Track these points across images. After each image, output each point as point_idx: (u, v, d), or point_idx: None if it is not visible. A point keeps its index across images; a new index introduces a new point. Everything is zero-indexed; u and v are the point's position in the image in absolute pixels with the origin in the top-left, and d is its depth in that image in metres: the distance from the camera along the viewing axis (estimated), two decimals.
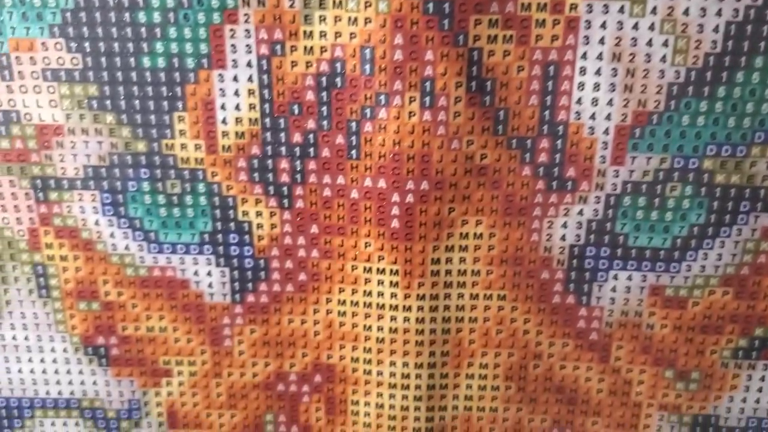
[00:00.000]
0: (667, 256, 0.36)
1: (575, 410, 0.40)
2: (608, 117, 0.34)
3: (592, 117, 0.34)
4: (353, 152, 0.35)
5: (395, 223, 0.36)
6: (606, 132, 0.34)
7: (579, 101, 0.34)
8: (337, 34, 0.33)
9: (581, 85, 0.33)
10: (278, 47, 0.33)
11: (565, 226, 0.36)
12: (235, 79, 0.34)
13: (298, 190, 0.36)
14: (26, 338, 0.40)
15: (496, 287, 0.38)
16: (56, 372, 0.41)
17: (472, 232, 0.36)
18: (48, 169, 0.36)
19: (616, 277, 0.37)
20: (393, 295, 0.38)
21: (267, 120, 0.35)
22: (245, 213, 0.37)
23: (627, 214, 0.36)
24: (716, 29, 0.32)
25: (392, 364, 0.39)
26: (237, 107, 0.35)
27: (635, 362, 0.39)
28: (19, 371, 0.41)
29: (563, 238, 0.36)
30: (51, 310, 0.39)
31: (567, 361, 0.39)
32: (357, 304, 0.38)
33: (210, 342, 0.40)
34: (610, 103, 0.33)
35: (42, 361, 0.41)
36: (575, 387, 0.40)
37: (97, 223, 0.37)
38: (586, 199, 0.36)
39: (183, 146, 0.35)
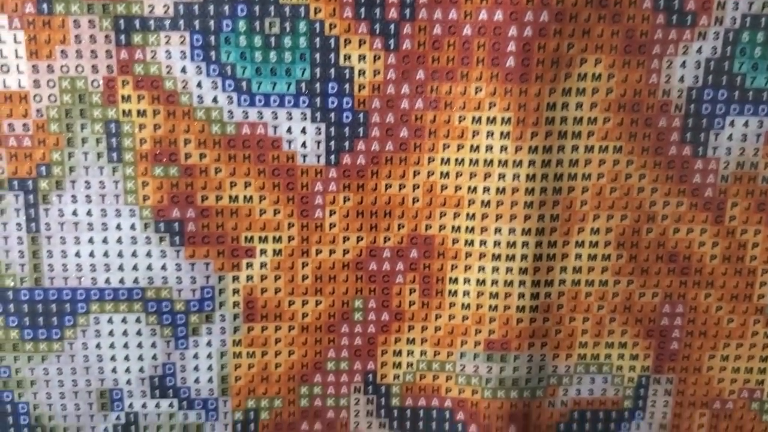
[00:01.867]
0: None
1: (688, 282, 0.38)
2: None
3: None
4: None
5: (510, 62, 0.34)
6: None
7: None
8: None
9: None
10: None
11: (683, 65, 0.35)
12: None
13: (406, 28, 0.34)
14: (89, 213, 0.36)
15: (612, 137, 0.36)
16: (120, 255, 0.36)
17: (591, 73, 0.35)
18: (134, 7, 0.33)
19: (732, 124, 0.36)
20: (503, 149, 0.35)
21: None
22: (347, 57, 0.34)
23: (745, 52, 0.35)
24: None
25: (497, 231, 0.36)
26: None
27: (750, 222, 0.37)
28: (77, 255, 0.36)
29: (681, 79, 0.35)
30: (121, 177, 0.35)
31: (681, 223, 0.37)
32: (462, 162, 0.36)
33: (299, 213, 0.36)
34: None
35: (104, 241, 0.36)
36: (688, 254, 0.37)
37: (183, 70, 0.34)
38: (705, 35, 0.34)
39: None
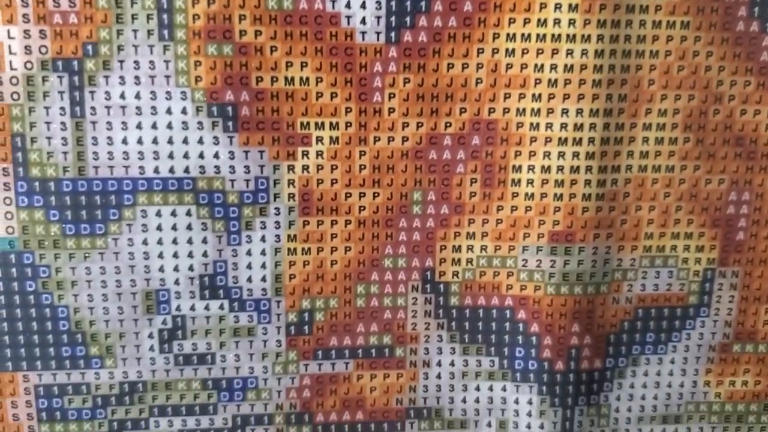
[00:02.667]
0: None
1: (754, 167, 0.37)
2: None
3: None
4: None
5: None
6: None
7: None
8: None
9: None
10: None
11: None
12: None
13: None
14: (137, 96, 0.34)
15: (679, 12, 0.35)
16: (169, 142, 0.34)
17: None
18: None
19: None
20: (571, 23, 0.34)
21: None
22: None
23: None
24: None
25: (564, 113, 0.35)
26: None
27: None
28: (124, 141, 0.34)
29: None
30: (172, 56, 0.33)
31: (748, 104, 0.36)
32: (528, 38, 0.34)
33: (357, 97, 0.35)
34: None
35: (153, 126, 0.34)
36: (755, 137, 0.36)
37: None
38: None
39: None
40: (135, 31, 0.33)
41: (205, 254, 0.36)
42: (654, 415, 0.40)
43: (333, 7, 0.34)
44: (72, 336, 0.36)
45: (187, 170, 0.35)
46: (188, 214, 0.35)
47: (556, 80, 0.35)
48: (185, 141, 0.34)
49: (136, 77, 0.33)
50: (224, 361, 0.37)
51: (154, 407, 0.37)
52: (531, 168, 0.36)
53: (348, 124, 0.35)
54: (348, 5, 0.34)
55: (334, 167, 0.35)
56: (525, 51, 0.35)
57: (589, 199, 0.36)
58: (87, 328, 0.36)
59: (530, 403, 0.39)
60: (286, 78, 0.34)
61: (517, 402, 0.39)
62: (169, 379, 0.37)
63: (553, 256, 0.37)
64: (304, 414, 0.38)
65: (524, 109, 0.35)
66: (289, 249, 0.36)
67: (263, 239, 0.36)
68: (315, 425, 0.38)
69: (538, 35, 0.34)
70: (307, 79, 0.34)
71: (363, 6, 0.34)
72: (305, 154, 0.35)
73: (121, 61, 0.33)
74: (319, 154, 0.35)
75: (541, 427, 0.39)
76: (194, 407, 0.37)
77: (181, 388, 0.37)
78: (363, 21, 0.34)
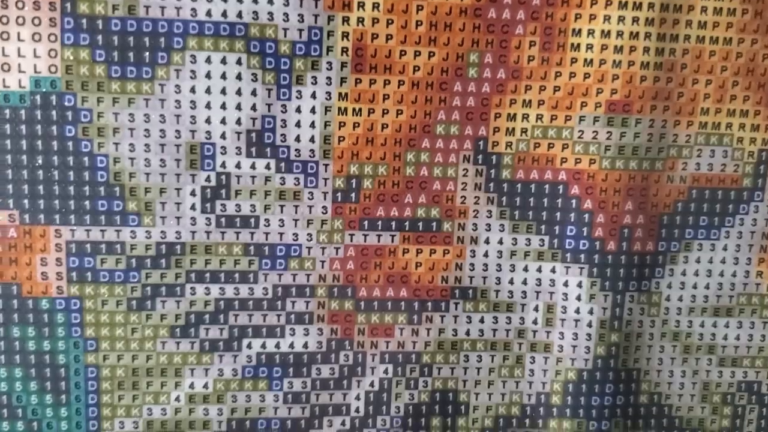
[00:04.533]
0: None
1: None
2: None
3: None
4: None
5: None
6: None
7: None
8: None
9: None
10: None
11: None
12: None
13: None
14: None
15: None
16: None
17: None
18: None
19: None
20: None
21: None
22: None
23: None
24: None
25: None
26: None
27: None
28: None
29: None
30: None
31: None
32: None
33: None
34: None
35: None
36: None
37: None
38: None
39: None
40: None
41: (253, 107, 0.34)
42: (705, 306, 0.39)
43: None
44: (110, 188, 0.34)
45: (239, 15, 0.33)
46: (239, 62, 0.34)
47: None
48: None
49: None
50: (268, 226, 0.36)
51: (191, 272, 0.35)
52: (591, 32, 0.35)
53: None
54: None
55: (390, 21, 0.34)
56: None
57: (648, 67, 0.35)
58: (126, 181, 0.34)
59: (580, 286, 0.37)
60: None
61: (566, 285, 0.37)
62: (209, 242, 0.35)
63: (609, 127, 0.36)
64: (346, 288, 0.37)
65: None
66: (339, 108, 0.35)
67: (314, 96, 0.35)
68: (357, 300, 0.37)
69: None
70: None
71: None
72: (361, 5, 0.34)
73: None
74: (375, 6, 0.34)
75: (590, 312, 0.37)
76: (233, 274, 0.36)
77: (221, 253, 0.35)
78: None
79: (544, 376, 0.38)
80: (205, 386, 0.37)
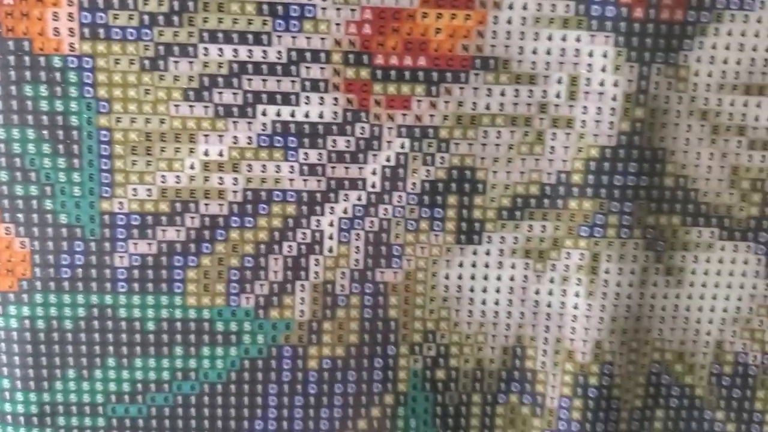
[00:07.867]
0: None
1: None
2: None
3: None
4: None
5: None
6: None
7: None
8: None
9: None
10: None
11: None
12: None
13: None
14: None
15: None
16: None
17: None
18: None
19: None
20: None
21: None
22: None
23: None
24: None
25: None
26: None
27: None
28: None
29: None
30: None
31: None
32: None
33: None
34: None
35: None
36: None
37: None
38: None
39: None
40: None
41: None
42: (736, 83, 0.37)
43: None
44: None
45: None
46: None
47: None
48: None
49: None
50: None
51: (204, 31, 0.35)
52: None
53: None
54: None
55: None
56: None
57: None
58: None
59: (605, 56, 0.36)
60: None
61: (591, 55, 0.36)
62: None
63: None
64: (363, 54, 0.36)
65: None
66: None
67: None
68: (374, 68, 0.36)
69: None
70: None
71: None
72: None
73: None
74: None
75: (615, 84, 0.36)
76: (246, 35, 0.35)
77: (234, 11, 0.35)
78: None
79: (565, 154, 0.37)
80: (220, 154, 0.36)
